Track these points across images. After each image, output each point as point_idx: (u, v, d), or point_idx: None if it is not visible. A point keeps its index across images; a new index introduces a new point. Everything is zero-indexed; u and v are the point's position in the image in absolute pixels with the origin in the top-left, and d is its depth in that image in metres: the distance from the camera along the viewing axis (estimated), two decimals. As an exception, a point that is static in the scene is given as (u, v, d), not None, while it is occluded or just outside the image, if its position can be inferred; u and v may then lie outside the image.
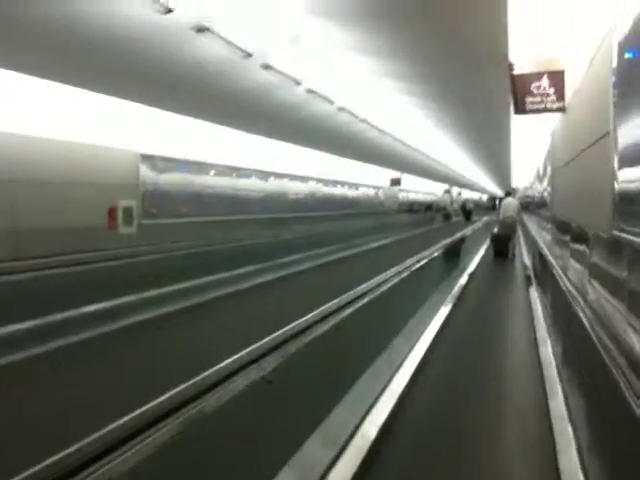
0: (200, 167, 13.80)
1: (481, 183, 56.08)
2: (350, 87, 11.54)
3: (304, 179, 19.96)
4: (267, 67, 9.02)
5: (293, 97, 11.22)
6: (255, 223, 16.01)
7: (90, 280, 9.71)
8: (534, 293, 10.52)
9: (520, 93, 8.54)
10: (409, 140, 20.38)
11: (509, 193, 20.55)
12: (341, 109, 13.11)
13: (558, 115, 10.10)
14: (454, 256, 15.79)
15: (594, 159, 5.56)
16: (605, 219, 4.59)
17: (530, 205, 34.79)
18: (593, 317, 4.52)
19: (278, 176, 17.96)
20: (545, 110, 8.58)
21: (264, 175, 16.97)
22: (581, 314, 4.89)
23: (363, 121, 14.91)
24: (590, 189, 5.86)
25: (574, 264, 6.77)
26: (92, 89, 9.92)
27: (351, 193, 25.38)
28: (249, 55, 8.25)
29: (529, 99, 8.48)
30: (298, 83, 10.30)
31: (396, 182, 30.05)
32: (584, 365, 4.41)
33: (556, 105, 8.40)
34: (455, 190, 50.87)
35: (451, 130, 18.82)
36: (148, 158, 11.86)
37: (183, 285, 11.47)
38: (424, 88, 11.60)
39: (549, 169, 11.91)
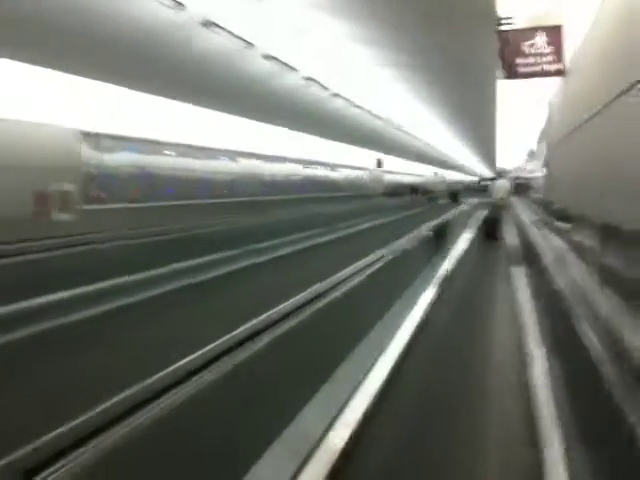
0: (157, 146, 12.19)
1: (470, 165, 54.71)
2: (317, 54, 9.95)
3: (279, 159, 18.32)
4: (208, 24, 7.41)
5: (247, 64, 9.58)
6: (222, 207, 14.44)
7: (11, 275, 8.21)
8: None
9: (510, 53, 6.94)
10: (393, 119, 18.94)
11: (500, 175, 19.60)
12: (308, 79, 11.45)
13: (556, 84, 8.63)
14: (439, 238, 14.59)
15: (613, 125, 4.07)
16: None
17: (520, 187, 33.42)
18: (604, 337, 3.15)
19: (249, 156, 16.26)
20: (541, 73, 7.00)
21: (232, 155, 15.35)
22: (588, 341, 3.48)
23: (336, 95, 13.33)
24: (605, 167, 4.37)
25: (578, 263, 5.30)
26: (19, 59, 8.34)
27: (331, 175, 23.76)
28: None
29: (521, 60, 6.89)
30: (249, 44, 8.65)
31: (380, 164, 28.50)
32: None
33: (554, 67, 6.83)
34: (445, 173, 49.26)
35: (435, 107, 17.40)
36: (91, 136, 10.30)
37: (132, 278, 9.93)
38: (400, 56, 10.03)
39: (544, 147, 10.36)
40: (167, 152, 12.59)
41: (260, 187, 16.79)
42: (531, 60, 6.83)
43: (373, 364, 4.54)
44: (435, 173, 45.39)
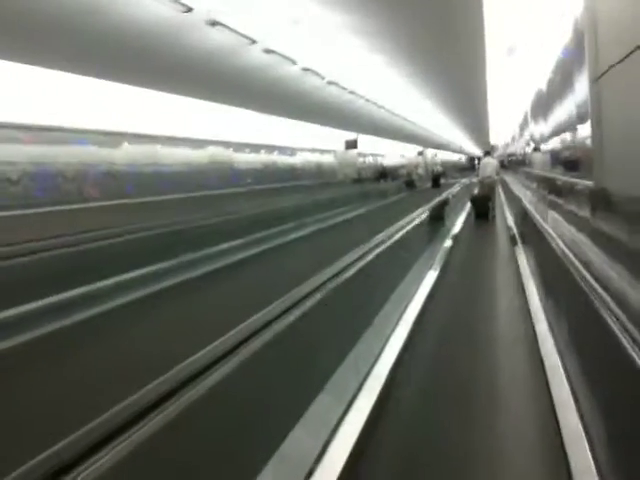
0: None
1: (459, 143, 49.72)
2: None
3: (200, 143, 13.05)
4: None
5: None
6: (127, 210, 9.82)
7: None
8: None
9: None
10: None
11: (488, 152, 18.93)
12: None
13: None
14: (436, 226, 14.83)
15: None
16: None
17: (512, 164, 28.41)
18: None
19: (151, 140, 10.88)
20: None
21: (128, 138, 10.24)
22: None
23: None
24: None
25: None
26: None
27: (278, 160, 17.73)
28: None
29: None
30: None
31: (352, 145, 23.15)
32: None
33: None
34: (430, 152, 43.67)
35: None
36: None
37: None
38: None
39: (582, 80, 5.11)
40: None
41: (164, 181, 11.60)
42: None
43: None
44: (421, 153, 40.11)
